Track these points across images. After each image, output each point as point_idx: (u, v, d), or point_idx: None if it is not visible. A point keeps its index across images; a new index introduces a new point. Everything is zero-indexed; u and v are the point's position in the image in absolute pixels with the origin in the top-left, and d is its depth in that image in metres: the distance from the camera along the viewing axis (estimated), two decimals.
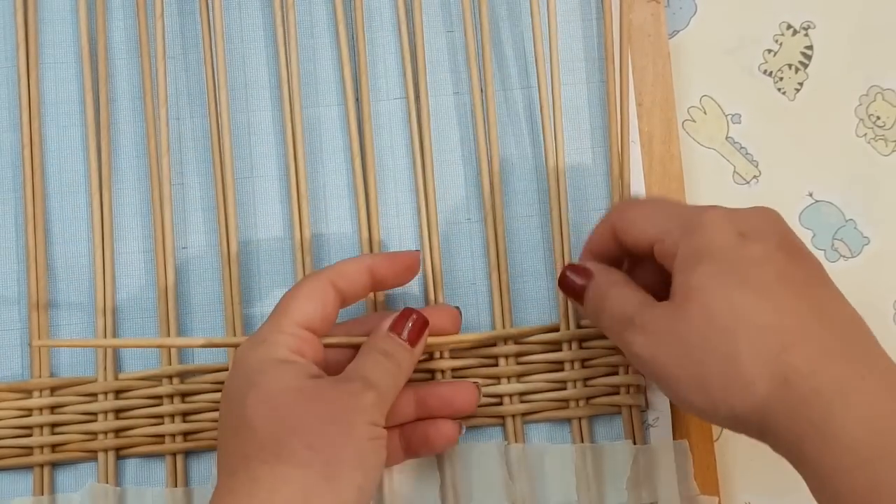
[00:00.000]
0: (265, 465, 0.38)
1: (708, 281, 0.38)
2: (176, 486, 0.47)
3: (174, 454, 0.47)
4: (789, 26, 0.53)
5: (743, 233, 0.39)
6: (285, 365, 0.40)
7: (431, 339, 0.45)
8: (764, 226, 0.40)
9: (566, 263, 0.45)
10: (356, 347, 0.43)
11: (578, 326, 0.48)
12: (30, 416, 0.47)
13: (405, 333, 0.43)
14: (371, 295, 0.48)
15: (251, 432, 0.39)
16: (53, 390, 0.48)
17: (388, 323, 0.43)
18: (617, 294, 0.41)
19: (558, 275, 0.44)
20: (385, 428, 0.41)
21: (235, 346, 0.45)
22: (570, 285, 0.43)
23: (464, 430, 0.46)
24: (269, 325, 0.42)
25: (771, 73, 0.53)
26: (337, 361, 0.43)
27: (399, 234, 0.50)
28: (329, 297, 0.42)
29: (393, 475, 0.47)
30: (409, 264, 0.45)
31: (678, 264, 0.39)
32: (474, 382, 0.46)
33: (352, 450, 0.39)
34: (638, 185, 0.50)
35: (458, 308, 0.47)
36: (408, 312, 0.43)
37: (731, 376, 0.37)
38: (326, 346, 0.43)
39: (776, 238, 0.39)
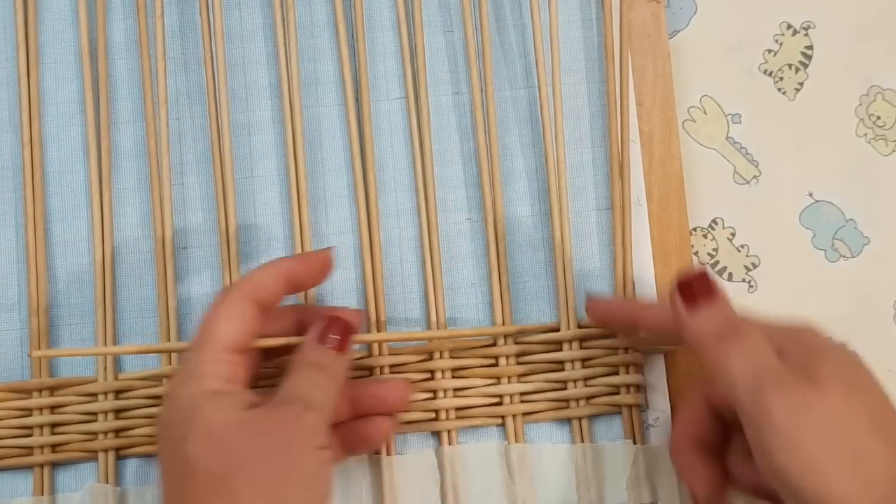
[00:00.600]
0: None
1: (837, 376, 0.38)
2: None
3: None
4: (789, 26, 0.53)
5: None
6: (220, 397, 0.39)
7: (431, 333, 0.45)
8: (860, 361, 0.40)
9: (695, 270, 0.41)
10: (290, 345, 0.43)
11: (579, 326, 0.48)
12: (30, 416, 0.47)
13: (333, 341, 0.42)
14: (370, 284, 0.48)
15: (194, 473, 0.37)
16: (53, 390, 0.48)
17: (314, 334, 0.42)
18: (760, 338, 0.39)
19: (686, 274, 0.41)
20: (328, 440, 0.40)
21: (286, 346, 0.44)
22: (697, 288, 0.40)
23: (399, 424, 0.46)
24: (196, 354, 0.41)
25: (771, 73, 0.53)
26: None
27: (399, 234, 0.50)
28: (249, 313, 0.42)
29: (393, 475, 0.47)
30: (323, 263, 0.45)
31: (800, 361, 0.39)
32: (406, 379, 0.46)
33: (299, 480, 0.38)
34: (638, 185, 0.50)
35: (359, 311, 0.47)
36: (332, 320, 0.43)
37: (859, 471, 0.36)
38: (257, 347, 0.43)
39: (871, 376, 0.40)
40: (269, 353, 0.45)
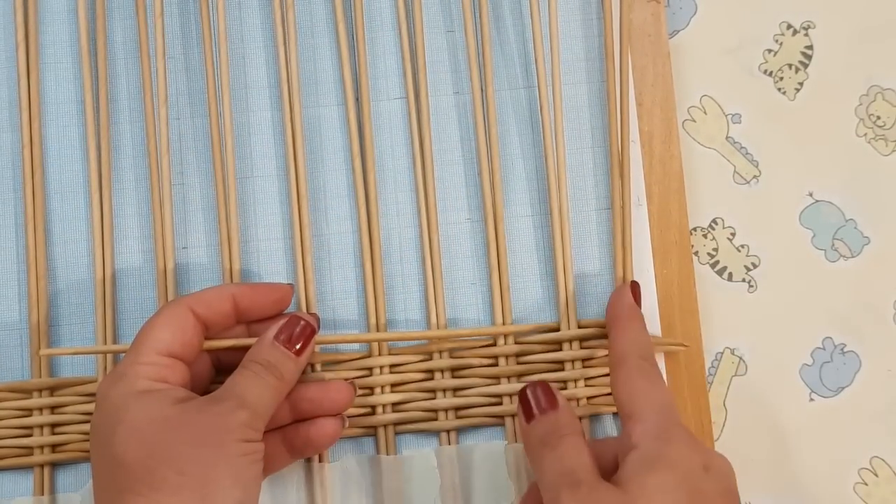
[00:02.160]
0: (140, 498, 0.37)
1: (664, 492, 0.38)
2: None
3: None
4: (789, 26, 0.53)
5: (707, 467, 0.40)
6: (147, 395, 0.40)
7: (431, 333, 0.45)
8: (726, 470, 0.40)
9: (536, 382, 0.43)
10: (244, 349, 0.43)
11: (579, 326, 0.48)
12: (30, 416, 0.47)
13: (291, 342, 0.42)
14: (370, 284, 0.48)
15: (123, 468, 0.38)
16: (53, 390, 0.48)
17: (273, 331, 0.42)
18: (575, 445, 0.40)
19: (525, 388, 0.43)
20: (263, 435, 0.40)
21: (237, 348, 0.44)
22: (534, 402, 0.42)
23: (346, 424, 0.45)
24: (127, 357, 0.41)
25: (771, 73, 0.53)
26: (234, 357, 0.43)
27: (399, 234, 0.50)
28: (188, 324, 0.42)
29: (393, 475, 0.47)
30: (277, 298, 0.45)
31: (638, 458, 0.39)
32: (348, 380, 0.46)
33: (224, 468, 0.38)
34: (638, 185, 0.50)
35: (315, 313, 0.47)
36: (295, 320, 0.43)
37: None
38: (208, 349, 0.43)
39: (730, 484, 0.40)
40: (223, 368, 0.45)
